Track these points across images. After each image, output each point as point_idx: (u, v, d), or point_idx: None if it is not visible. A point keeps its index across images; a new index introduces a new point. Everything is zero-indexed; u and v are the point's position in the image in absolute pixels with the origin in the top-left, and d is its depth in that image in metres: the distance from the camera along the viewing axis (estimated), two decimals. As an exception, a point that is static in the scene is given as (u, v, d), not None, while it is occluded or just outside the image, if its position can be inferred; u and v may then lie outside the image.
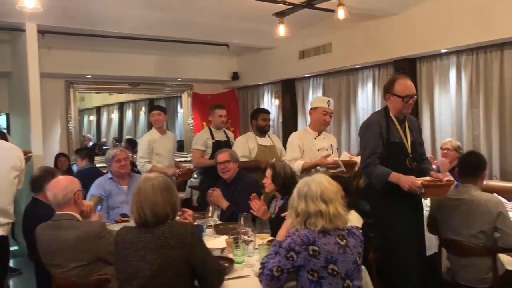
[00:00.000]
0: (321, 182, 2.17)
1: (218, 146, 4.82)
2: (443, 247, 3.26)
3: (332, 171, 3.81)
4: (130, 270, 2.10)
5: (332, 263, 2.06)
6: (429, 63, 5.57)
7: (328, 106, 4.05)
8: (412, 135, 3.12)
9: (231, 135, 5.35)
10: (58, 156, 6.34)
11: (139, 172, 4.87)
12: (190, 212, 2.36)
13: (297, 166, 3.89)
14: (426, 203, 4.15)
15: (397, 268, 2.99)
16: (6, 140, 4.06)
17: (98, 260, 2.56)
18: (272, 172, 3.31)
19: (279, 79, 7.64)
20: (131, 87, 8.05)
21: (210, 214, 3.39)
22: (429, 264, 3.76)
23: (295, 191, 2.21)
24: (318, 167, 3.91)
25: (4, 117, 7.37)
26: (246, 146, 4.65)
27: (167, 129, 5.87)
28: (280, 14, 5.10)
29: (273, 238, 2.46)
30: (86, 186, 3.58)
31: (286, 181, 3.23)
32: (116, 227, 2.94)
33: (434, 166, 3.61)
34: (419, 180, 2.84)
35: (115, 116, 9.28)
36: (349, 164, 3.97)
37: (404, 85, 3.04)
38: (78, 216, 2.69)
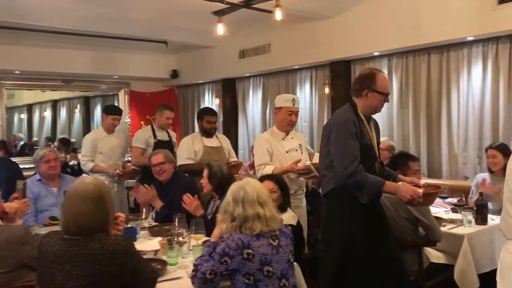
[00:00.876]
0: (255, 185, 2.19)
1: (160, 145, 4.71)
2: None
3: (304, 177, 3.60)
4: (54, 285, 1.94)
5: (267, 264, 2.08)
6: (363, 65, 5.78)
7: (293, 105, 3.73)
8: (376, 136, 2.85)
9: (173, 135, 5.25)
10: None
11: (73, 173, 4.71)
12: (122, 217, 2.28)
13: (267, 172, 3.58)
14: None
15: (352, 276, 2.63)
16: None
17: (22, 267, 2.41)
18: (208, 171, 3.29)
19: (219, 78, 7.63)
20: (64, 84, 7.71)
21: (143, 216, 3.31)
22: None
23: (229, 196, 2.19)
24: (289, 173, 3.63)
25: None
26: (191, 147, 4.42)
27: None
28: (219, 13, 5.09)
29: (209, 238, 2.45)
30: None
31: (222, 181, 3.21)
32: (44, 230, 2.80)
33: None
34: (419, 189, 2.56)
35: (48, 114, 8.85)
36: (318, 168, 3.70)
37: (386, 81, 2.76)
38: (-3, 220, 2.53)
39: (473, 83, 4.84)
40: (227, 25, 5.10)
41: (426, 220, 3.13)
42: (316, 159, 3.73)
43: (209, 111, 4.68)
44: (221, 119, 7.81)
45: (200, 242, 2.61)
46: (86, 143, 4.92)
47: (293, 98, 3.77)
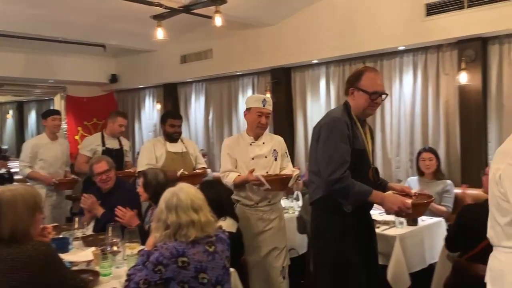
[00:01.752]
0: (189, 191, 2.16)
1: (108, 154, 4.51)
2: (310, 246, 3.46)
3: (262, 188, 3.23)
4: None
5: (202, 271, 2.06)
6: (303, 72, 5.92)
7: (264, 106, 3.38)
8: (372, 142, 2.64)
9: (125, 142, 5.07)
10: None
11: (2, 182, 4.46)
12: (49, 228, 2.18)
13: (229, 180, 3.32)
14: (299, 204, 4.41)
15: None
16: None
17: None
18: (144, 179, 3.22)
19: (160, 83, 7.52)
20: (-6, 87, 7.30)
21: (76, 225, 3.19)
22: (303, 262, 3.98)
23: (162, 203, 2.14)
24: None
25: None
26: (152, 153, 4.08)
27: (39, 133, 5.49)
28: (158, 17, 5.02)
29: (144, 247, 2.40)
30: None
31: (157, 189, 3.13)
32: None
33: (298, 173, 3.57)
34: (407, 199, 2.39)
35: (-23, 119, 8.35)
36: (279, 180, 3.28)
37: (373, 79, 2.53)
38: None
39: (405, 91, 5.09)
40: (168, 29, 5.04)
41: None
42: (289, 170, 3.46)
43: (172, 114, 4.42)
44: (162, 124, 7.70)
45: (135, 251, 2.54)
46: (26, 148, 4.77)
47: (264, 99, 3.43)
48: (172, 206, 2.10)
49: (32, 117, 9.72)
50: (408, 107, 5.05)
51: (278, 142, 3.55)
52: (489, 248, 2.58)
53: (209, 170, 4.82)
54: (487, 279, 1.98)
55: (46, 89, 7.89)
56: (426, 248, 3.62)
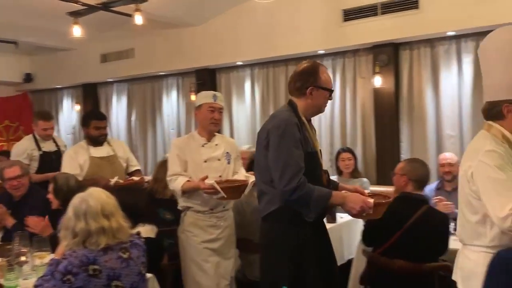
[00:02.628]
0: (100, 196, 2.06)
1: (47, 158, 4.19)
2: (237, 248, 3.44)
3: (215, 197, 2.95)
4: None
5: (115, 279, 1.99)
6: (227, 74, 5.94)
7: (215, 100, 3.15)
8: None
9: (61, 143, 4.60)
10: None
11: None
12: None
13: (176, 186, 3.03)
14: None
15: None
16: None
17: None
18: (54, 185, 3.04)
19: (79, 83, 7.20)
20: None
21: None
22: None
23: (70, 210, 2.03)
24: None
25: None
26: (75, 160, 3.69)
27: None
28: (75, 14, 4.81)
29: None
30: None
31: (68, 195, 2.95)
32: None
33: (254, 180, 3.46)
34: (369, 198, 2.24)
35: None
36: (235, 187, 2.98)
37: (328, 74, 2.37)
38: None
39: (325, 93, 5.26)
40: (87, 27, 4.85)
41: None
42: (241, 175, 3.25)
43: (97, 115, 3.95)
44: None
45: (45, 261, 2.40)
46: None
47: (214, 94, 3.20)
48: (81, 213, 1.99)
49: None
50: (328, 110, 5.22)
51: (231, 144, 3.35)
52: (399, 243, 2.72)
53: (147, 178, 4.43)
54: (457, 278, 1.94)
55: (-50, 88, 7.26)
56: (345, 244, 3.76)
